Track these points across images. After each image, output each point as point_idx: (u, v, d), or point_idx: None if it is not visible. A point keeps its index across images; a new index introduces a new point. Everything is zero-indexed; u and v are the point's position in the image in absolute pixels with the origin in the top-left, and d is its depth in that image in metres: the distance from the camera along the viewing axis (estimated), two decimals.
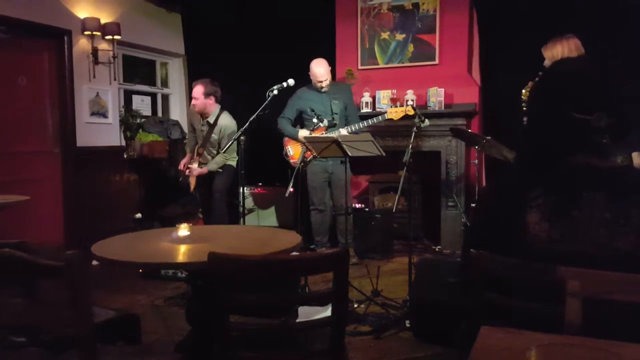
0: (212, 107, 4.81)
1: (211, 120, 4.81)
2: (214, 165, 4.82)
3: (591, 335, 1.22)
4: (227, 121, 4.80)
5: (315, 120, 4.57)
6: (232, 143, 4.09)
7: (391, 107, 5.01)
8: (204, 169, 4.84)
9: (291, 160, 4.96)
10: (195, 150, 4.94)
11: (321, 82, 4.73)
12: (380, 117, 4.78)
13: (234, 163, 4.88)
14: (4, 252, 1.66)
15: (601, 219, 1.39)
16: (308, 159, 4.22)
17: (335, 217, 4.98)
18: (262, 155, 5.81)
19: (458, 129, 4.69)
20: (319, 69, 4.72)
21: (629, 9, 4.42)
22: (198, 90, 4.76)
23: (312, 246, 5.02)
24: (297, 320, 2.89)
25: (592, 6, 4.47)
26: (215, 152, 4.87)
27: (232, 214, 5.08)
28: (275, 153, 5.18)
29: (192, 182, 4.95)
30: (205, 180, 4.91)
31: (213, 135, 4.82)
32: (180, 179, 5.17)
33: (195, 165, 4.87)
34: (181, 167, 5.07)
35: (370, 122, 4.80)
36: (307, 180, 4.87)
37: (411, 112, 4.58)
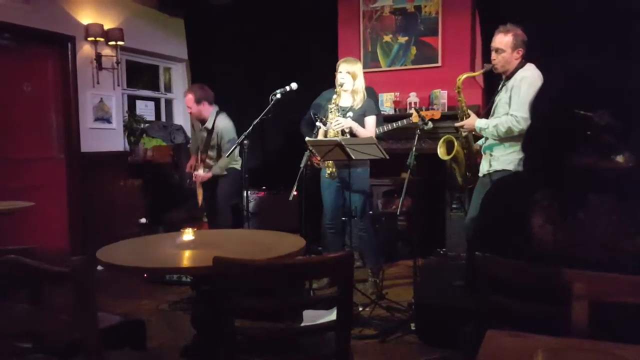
0: (208, 111, 4.83)
1: (209, 125, 4.82)
2: (217, 169, 4.82)
3: (598, 338, 1.21)
4: (223, 123, 4.81)
5: (318, 123, 4.54)
6: (236, 147, 4.10)
7: (419, 110, 4.86)
8: (209, 174, 4.85)
9: (314, 161, 4.85)
10: (199, 157, 4.96)
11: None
12: (405, 121, 4.77)
13: (237, 166, 4.88)
14: (10, 258, 1.67)
15: (608, 221, 1.38)
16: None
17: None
18: (266, 159, 5.81)
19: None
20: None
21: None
22: (189, 99, 4.79)
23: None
24: (302, 324, 2.88)
25: (598, 6, 4.43)
26: (216, 155, 4.88)
27: (237, 217, 5.08)
28: (280, 157, 5.17)
29: (200, 193, 4.96)
30: (209, 184, 4.92)
31: (212, 139, 4.84)
32: (188, 181, 5.18)
33: (200, 171, 4.89)
34: (188, 169, 5.08)
35: (395, 124, 4.80)
36: None
37: (437, 116, 4.54)
